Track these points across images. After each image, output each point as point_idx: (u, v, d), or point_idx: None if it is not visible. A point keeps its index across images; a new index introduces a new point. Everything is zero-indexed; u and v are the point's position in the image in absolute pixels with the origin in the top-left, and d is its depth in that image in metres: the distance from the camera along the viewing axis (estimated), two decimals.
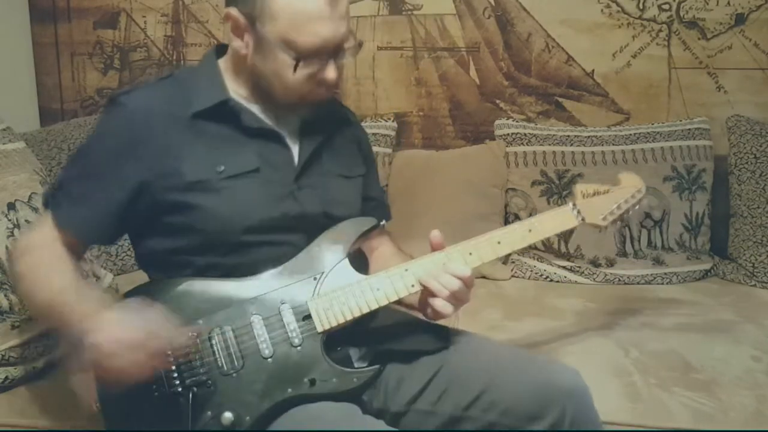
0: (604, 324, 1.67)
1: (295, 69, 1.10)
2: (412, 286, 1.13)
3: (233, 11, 1.12)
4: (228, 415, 1.06)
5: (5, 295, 1.37)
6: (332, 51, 1.12)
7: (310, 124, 1.23)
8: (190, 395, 1.08)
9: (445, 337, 1.23)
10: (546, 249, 2.05)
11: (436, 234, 1.16)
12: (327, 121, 1.25)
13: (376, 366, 1.14)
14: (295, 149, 1.21)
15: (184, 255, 1.14)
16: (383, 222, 1.20)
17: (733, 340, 1.57)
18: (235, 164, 1.14)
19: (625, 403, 1.33)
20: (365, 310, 1.12)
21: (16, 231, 1.42)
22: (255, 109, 1.20)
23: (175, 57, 2.38)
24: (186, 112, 1.15)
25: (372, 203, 1.34)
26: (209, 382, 1.08)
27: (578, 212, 1.23)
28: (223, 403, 1.07)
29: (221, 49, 1.24)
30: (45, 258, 1.12)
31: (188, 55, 2.36)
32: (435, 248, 1.16)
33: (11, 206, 1.45)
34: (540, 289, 1.93)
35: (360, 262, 1.21)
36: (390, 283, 1.13)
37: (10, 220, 1.43)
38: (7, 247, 1.39)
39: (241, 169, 1.15)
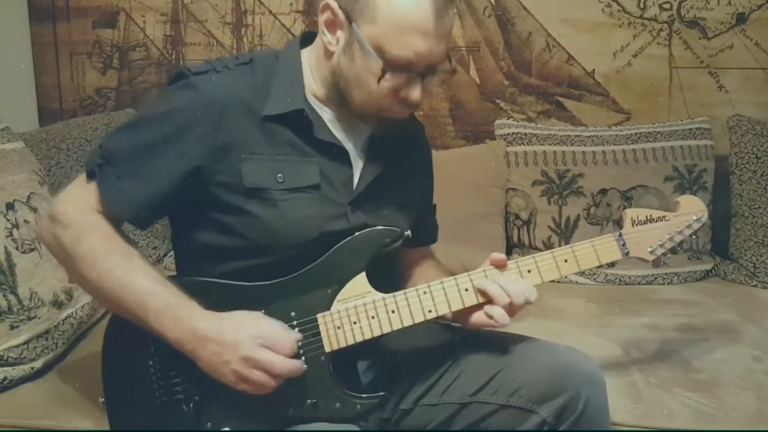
0: (604, 324, 1.67)
1: (379, 79, 1.04)
2: (429, 312, 1.08)
3: (332, 2, 1.05)
4: (226, 431, 1.05)
5: (4, 296, 1.36)
6: (423, 69, 1.05)
7: (379, 142, 1.16)
8: (192, 405, 1.06)
9: (454, 330, 1.20)
10: (547, 249, 2.04)
11: (498, 257, 1.12)
12: (396, 142, 1.16)
13: (381, 393, 1.09)
14: (357, 168, 1.15)
15: (223, 253, 1.09)
16: (408, 232, 1.13)
17: (734, 341, 1.57)
18: (296, 176, 1.09)
19: (626, 403, 1.32)
20: (377, 333, 1.07)
21: (14, 231, 1.42)
22: (328, 114, 1.13)
23: (174, 56, 2.37)
24: (260, 110, 1.08)
25: (420, 223, 1.26)
26: (211, 393, 1.04)
27: (624, 244, 1.14)
28: (223, 417, 1.05)
29: (306, 39, 1.17)
30: (102, 237, 1.04)
31: (187, 55, 2.36)
32: (495, 265, 1.12)
33: (10, 206, 1.44)
34: (540, 289, 1.88)
35: (383, 275, 1.13)
36: (406, 305, 1.08)
37: (8, 221, 1.42)
38: (6, 247, 1.39)
39: (302, 183, 1.09)
